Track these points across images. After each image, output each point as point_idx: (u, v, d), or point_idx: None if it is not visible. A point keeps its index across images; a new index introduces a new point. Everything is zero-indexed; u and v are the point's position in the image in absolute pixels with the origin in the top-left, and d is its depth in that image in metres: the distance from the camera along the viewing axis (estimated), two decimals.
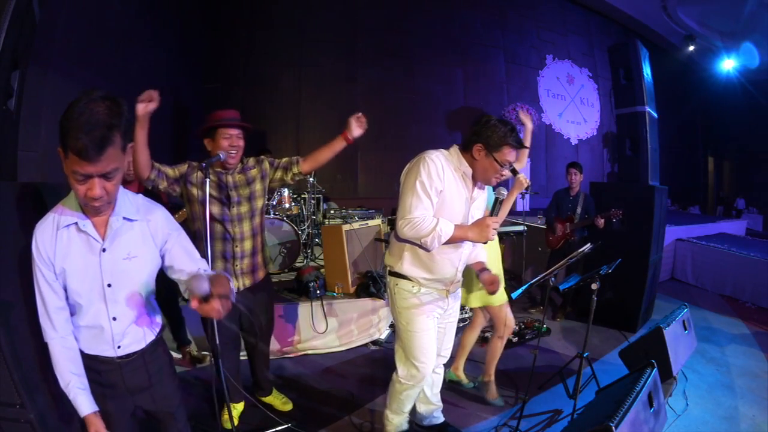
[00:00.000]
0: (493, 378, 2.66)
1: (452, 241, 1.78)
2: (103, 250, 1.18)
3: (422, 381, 1.98)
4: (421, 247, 1.82)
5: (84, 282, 1.18)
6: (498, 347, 2.64)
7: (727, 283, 5.12)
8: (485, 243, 1.88)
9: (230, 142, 2.07)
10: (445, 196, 1.80)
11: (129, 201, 1.25)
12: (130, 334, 1.27)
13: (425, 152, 1.83)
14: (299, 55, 6.81)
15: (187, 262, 1.29)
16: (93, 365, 1.24)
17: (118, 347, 1.25)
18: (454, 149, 1.90)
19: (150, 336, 1.33)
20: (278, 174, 2.28)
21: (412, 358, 1.93)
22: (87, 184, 1.06)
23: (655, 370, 1.98)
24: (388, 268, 1.99)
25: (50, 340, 1.19)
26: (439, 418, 2.34)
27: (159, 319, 1.40)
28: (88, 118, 0.99)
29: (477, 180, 1.89)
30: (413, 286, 1.90)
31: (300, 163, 2.27)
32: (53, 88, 3.04)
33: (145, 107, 1.80)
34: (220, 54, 6.70)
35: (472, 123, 1.88)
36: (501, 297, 2.49)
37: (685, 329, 2.87)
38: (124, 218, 1.21)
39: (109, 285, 1.20)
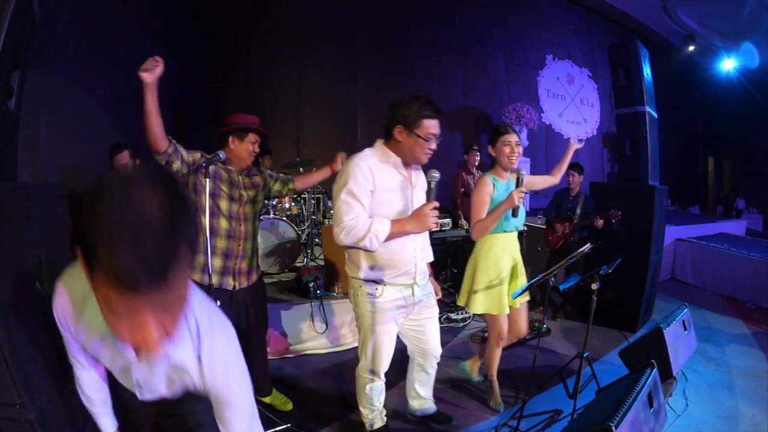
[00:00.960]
0: (494, 381, 2.63)
1: (392, 236, 1.75)
2: (137, 367, 0.95)
3: (381, 377, 2.05)
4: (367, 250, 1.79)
5: (112, 366, 1.00)
6: (491, 352, 2.57)
7: (727, 283, 5.12)
8: (427, 230, 1.85)
9: (254, 147, 2.18)
10: (382, 192, 1.78)
11: (189, 328, 0.88)
12: (157, 396, 1.09)
13: (351, 158, 1.82)
14: (299, 55, 6.81)
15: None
16: (116, 388, 1.15)
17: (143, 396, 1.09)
18: (378, 144, 1.88)
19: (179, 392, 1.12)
20: (277, 186, 2.41)
21: (371, 356, 1.98)
22: (132, 322, 0.65)
23: (655, 370, 1.98)
24: (349, 274, 1.97)
25: (77, 371, 1.10)
26: (432, 408, 2.40)
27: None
28: (134, 219, 0.59)
29: (408, 163, 1.87)
30: (377, 289, 1.88)
31: (294, 181, 2.46)
32: (53, 88, 3.05)
33: (150, 75, 1.76)
34: (220, 54, 6.70)
35: (387, 109, 1.85)
36: (497, 307, 2.38)
37: (685, 329, 2.87)
38: (169, 358, 0.90)
39: (139, 385, 1.00)
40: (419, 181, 1.96)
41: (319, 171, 2.47)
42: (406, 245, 1.87)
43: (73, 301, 0.89)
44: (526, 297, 2.50)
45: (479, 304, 2.38)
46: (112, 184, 0.61)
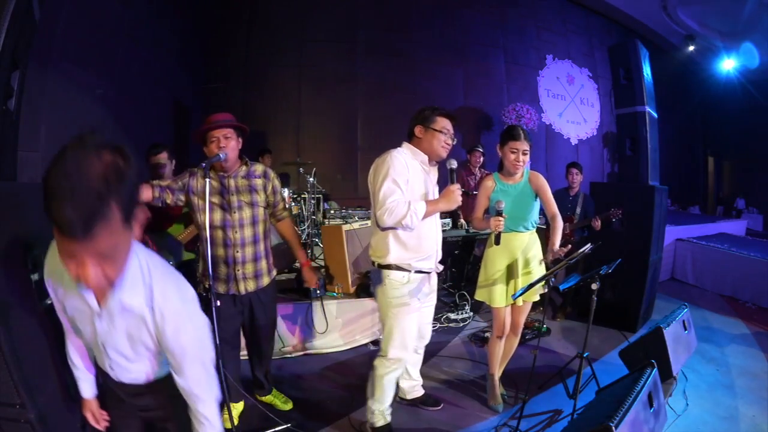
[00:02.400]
0: (494, 379, 2.64)
1: (427, 214, 2.01)
2: (99, 315, 1.02)
3: (405, 364, 2.24)
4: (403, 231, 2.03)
5: (83, 326, 1.08)
6: (491, 346, 2.62)
7: (727, 283, 5.12)
8: (456, 206, 2.07)
9: (217, 144, 2.07)
10: (413, 184, 2.04)
11: (139, 270, 0.99)
12: (126, 376, 1.17)
13: (389, 152, 2.07)
14: (299, 55, 6.80)
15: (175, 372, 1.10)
16: (99, 367, 1.25)
17: (117, 377, 1.18)
18: (405, 145, 2.16)
19: (152, 376, 1.18)
20: (271, 208, 2.33)
21: (401, 342, 2.12)
22: (76, 261, 0.81)
23: (655, 370, 1.98)
24: (376, 263, 2.12)
25: (66, 336, 1.24)
26: (420, 391, 2.60)
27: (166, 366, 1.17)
28: (75, 180, 0.74)
29: (430, 158, 2.14)
30: (403, 276, 2.07)
31: (283, 219, 2.40)
32: (53, 88, 3.04)
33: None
34: (220, 54, 6.70)
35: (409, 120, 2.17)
36: (489, 299, 2.48)
37: (685, 329, 2.87)
38: (123, 304, 0.99)
39: (104, 346, 1.08)
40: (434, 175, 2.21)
41: (298, 250, 2.44)
42: (431, 231, 2.14)
43: (54, 258, 1.00)
44: (534, 297, 2.51)
45: (478, 293, 2.57)
46: (66, 148, 0.75)
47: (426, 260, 2.13)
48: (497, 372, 2.67)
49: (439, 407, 2.56)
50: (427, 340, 2.46)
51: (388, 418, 2.26)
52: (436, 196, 2.16)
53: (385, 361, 2.15)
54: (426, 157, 2.13)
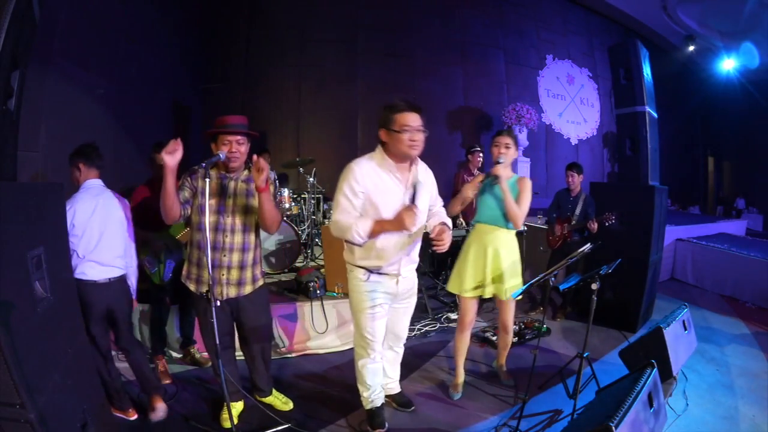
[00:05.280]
0: (458, 368, 2.77)
1: (374, 234, 1.94)
2: None
3: (374, 351, 2.21)
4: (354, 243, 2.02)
5: None
6: (457, 340, 2.73)
7: (727, 283, 5.12)
8: (408, 231, 1.96)
9: (230, 148, 2.08)
10: (373, 194, 1.98)
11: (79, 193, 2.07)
12: None
13: (351, 162, 2.02)
14: (299, 55, 6.81)
15: None
16: None
17: None
18: (378, 150, 2.07)
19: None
20: None
21: (362, 332, 2.19)
22: None
23: (655, 370, 1.98)
24: (346, 261, 2.21)
25: None
26: (396, 388, 2.57)
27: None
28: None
29: (403, 162, 2.04)
30: (364, 274, 2.11)
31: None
32: (53, 88, 3.05)
33: (173, 158, 1.90)
34: (220, 54, 6.71)
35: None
36: (457, 288, 2.61)
37: (685, 329, 2.87)
38: None
39: None
40: (427, 179, 2.16)
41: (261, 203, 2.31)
42: (390, 240, 2.05)
43: None
44: (508, 295, 2.51)
45: (450, 284, 2.68)
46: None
47: (389, 266, 2.11)
48: (503, 363, 2.87)
49: (410, 410, 2.51)
50: (403, 340, 2.44)
51: (377, 403, 2.31)
52: (420, 204, 2.00)
53: (356, 348, 2.28)
54: (397, 162, 2.02)
